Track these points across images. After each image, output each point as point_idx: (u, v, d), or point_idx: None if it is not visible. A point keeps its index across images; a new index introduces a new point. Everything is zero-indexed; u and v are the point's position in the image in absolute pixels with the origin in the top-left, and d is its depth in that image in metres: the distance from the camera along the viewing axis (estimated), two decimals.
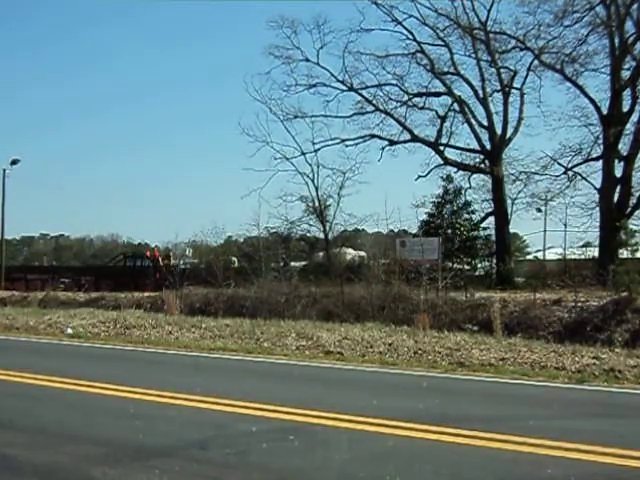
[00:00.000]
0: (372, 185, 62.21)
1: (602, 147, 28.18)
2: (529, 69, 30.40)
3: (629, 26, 27.28)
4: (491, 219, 31.60)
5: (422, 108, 32.27)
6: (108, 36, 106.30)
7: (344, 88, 32.14)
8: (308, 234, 34.10)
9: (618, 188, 27.42)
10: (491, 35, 30.39)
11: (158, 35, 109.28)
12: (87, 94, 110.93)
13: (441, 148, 31.94)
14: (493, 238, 31.53)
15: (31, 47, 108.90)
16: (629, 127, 27.71)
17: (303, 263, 33.47)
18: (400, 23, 31.25)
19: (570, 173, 29.68)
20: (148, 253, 36.44)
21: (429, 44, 31.64)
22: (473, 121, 31.03)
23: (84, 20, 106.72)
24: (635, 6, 26.92)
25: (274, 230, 32.30)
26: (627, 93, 27.70)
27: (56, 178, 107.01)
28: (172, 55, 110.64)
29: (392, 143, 32.26)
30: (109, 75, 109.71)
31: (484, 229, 32.21)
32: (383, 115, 32.11)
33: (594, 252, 27.87)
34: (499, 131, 30.74)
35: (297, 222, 32.98)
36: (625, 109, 27.66)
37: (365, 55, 31.79)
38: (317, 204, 32.48)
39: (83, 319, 18.46)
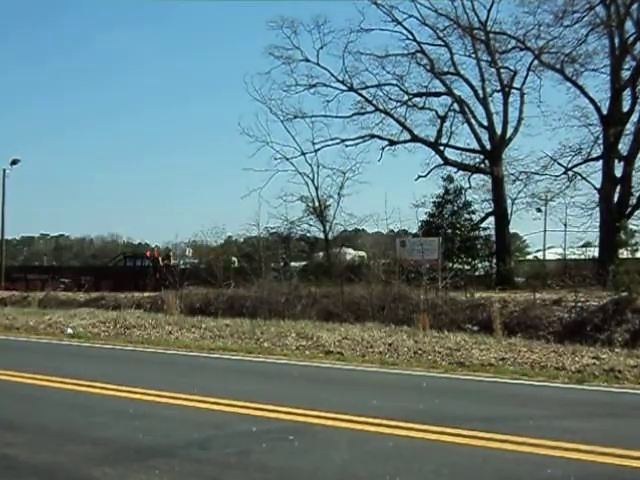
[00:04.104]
0: (372, 185, 62.13)
1: (602, 147, 28.19)
2: (529, 69, 30.44)
3: (629, 26, 27.33)
4: (491, 219, 31.64)
5: (422, 108, 32.30)
6: (111, 45, 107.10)
7: (344, 88, 32.19)
8: (308, 234, 34.14)
9: (618, 188, 27.43)
10: (491, 35, 30.41)
11: (159, 38, 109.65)
12: (90, 100, 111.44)
13: (441, 148, 31.95)
14: (493, 238, 31.55)
15: (34, 58, 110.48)
16: (629, 127, 27.77)
17: (303, 263, 33.47)
18: (400, 23, 31.30)
19: (570, 173, 29.71)
20: (148, 253, 36.47)
21: (429, 44, 31.70)
22: (473, 121, 31.05)
23: (91, 30, 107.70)
24: (635, 6, 26.94)
25: (274, 230, 32.34)
26: (627, 93, 27.72)
27: (56, 178, 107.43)
28: (172, 58, 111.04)
29: (392, 143, 32.27)
30: (112, 82, 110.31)
31: (484, 229, 32.26)
32: (383, 115, 32.15)
33: (594, 252, 27.89)
34: (499, 131, 30.75)
35: (297, 222, 33.03)
36: (625, 109, 27.68)
37: (365, 55, 31.86)
38: (317, 204, 32.50)
39: (83, 319, 18.45)
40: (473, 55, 30.93)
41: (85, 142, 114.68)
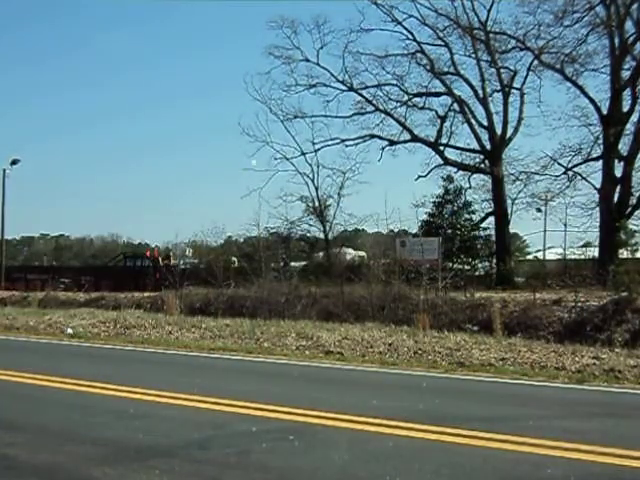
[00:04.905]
0: (372, 185, 62.01)
1: (602, 147, 28.18)
2: (529, 69, 30.44)
3: (629, 26, 27.33)
4: (491, 219, 31.63)
5: (422, 108, 32.29)
6: (111, 45, 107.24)
7: (344, 88, 32.19)
8: (308, 234, 34.11)
9: (618, 188, 27.42)
10: (491, 35, 30.41)
11: (159, 38, 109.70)
12: (90, 100, 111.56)
13: (441, 148, 31.95)
14: (493, 238, 31.54)
15: (34, 58, 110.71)
16: (629, 127, 27.76)
17: (303, 263, 33.47)
18: (400, 23, 31.30)
19: (570, 173, 29.70)
20: (148, 253, 36.48)
21: (429, 44, 31.70)
22: (473, 121, 31.04)
23: (91, 30, 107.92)
24: (635, 6, 26.94)
25: (274, 230, 32.33)
26: (627, 93, 27.72)
27: (56, 178, 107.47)
28: (172, 58, 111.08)
29: (392, 143, 32.26)
30: (112, 82, 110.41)
31: (484, 229, 32.24)
32: (383, 115, 32.15)
33: (594, 252, 27.88)
34: (499, 131, 30.75)
35: (297, 222, 33.01)
36: (625, 109, 27.67)
37: (365, 55, 31.86)
38: (317, 204, 32.49)
39: (83, 319, 18.45)
40: (473, 55, 30.95)
41: (85, 142, 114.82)
